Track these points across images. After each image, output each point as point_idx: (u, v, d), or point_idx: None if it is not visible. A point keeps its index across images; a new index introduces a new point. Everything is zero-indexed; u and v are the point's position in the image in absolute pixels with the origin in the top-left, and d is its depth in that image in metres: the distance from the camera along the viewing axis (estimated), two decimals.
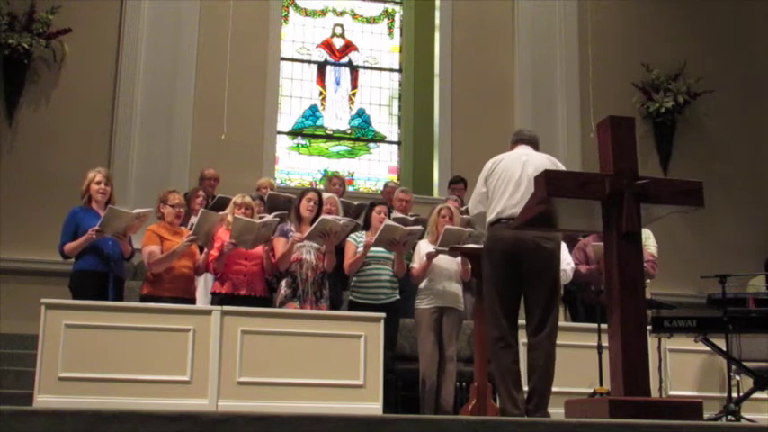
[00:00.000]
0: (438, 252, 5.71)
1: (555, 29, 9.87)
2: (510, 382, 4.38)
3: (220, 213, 5.89)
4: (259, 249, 5.74)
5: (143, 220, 5.58)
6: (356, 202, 7.35)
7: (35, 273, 7.68)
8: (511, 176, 4.55)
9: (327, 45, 10.01)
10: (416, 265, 5.98)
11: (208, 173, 7.84)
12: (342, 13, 10.15)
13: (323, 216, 5.67)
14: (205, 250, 5.80)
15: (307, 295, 5.63)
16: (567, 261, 6.18)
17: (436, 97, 9.74)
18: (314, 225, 5.59)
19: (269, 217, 5.94)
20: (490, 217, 4.57)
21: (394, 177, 9.69)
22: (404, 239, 5.82)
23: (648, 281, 6.16)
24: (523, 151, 4.73)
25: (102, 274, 5.51)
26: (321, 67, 9.96)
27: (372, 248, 5.92)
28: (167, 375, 4.98)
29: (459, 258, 5.81)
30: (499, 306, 4.45)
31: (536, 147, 4.81)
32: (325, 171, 9.55)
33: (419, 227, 6.14)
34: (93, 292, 5.38)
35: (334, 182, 7.96)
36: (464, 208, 7.37)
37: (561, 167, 4.61)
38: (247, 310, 5.31)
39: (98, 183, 5.70)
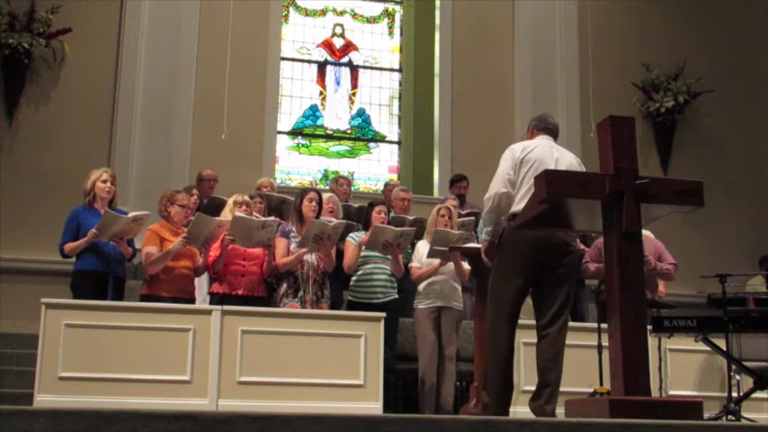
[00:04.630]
0: (436, 253, 5.71)
1: (555, 29, 9.87)
2: (502, 383, 4.19)
3: (218, 219, 5.74)
4: (258, 250, 5.73)
5: (140, 223, 5.56)
6: (357, 205, 7.34)
7: (35, 273, 7.68)
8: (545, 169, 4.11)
9: (327, 45, 10.01)
10: (416, 264, 5.98)
11: (206, 173, 7.75)
12: (342, 13, 10.14)
13: (312, 220, 5.67)
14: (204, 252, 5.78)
15: (308, 295, 5.63)
16: None
17: (436, 97, 9.75)
18: (305, 231, 5.59)
19: (265, 218, 5.90)
20: (516, 207, 4.18)
21: (394, 177, 9.68)
22: (396, 241, 5.80)
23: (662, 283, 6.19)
24: (551, 144, 4.38)
25: (102, 274, 5.52)
26: (321, 66, 9.95)
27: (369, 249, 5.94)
28: (167, 375, 4.98)
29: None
30: (509, 298, 4.20)
31: (557, 138, 4.51)
32: (326, 171, 9.55)
33: (410, 227, 6.11)
34: (94, 291, 5.39)
35: (341, 182, 7.95)
36: (465, 212, 7.36)
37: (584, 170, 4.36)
38: (247, 310, 5.31)
39: (104, 181, 5.72)
